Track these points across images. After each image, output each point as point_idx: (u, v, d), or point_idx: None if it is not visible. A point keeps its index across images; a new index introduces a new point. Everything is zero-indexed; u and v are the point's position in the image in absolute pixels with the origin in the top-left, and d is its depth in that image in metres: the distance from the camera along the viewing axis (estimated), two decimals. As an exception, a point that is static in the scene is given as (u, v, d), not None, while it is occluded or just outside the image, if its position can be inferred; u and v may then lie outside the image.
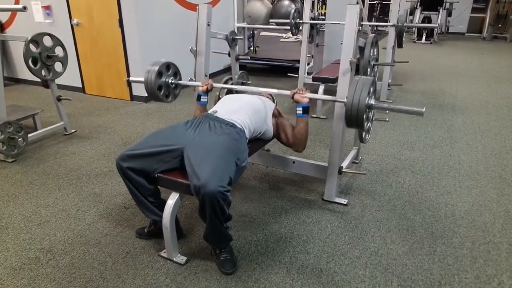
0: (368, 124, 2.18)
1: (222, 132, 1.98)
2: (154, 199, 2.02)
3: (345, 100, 1.97)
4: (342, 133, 2.40)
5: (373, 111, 2.19)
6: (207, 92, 2.45)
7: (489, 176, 2.89)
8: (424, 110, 1.90)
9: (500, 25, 10.72)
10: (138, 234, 2.20)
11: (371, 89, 1.97)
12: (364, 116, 1.93)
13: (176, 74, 2.61)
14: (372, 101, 2.01)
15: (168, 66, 2.52)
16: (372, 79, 1.98)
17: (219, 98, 2.83)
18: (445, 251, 2.07)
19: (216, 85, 2.50)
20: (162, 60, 2.47)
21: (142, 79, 2.46)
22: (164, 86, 2.53)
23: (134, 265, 1.98)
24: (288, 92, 2.26)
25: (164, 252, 2.03)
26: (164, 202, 1.95)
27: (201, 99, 2.44)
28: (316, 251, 2.07)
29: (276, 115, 2.42)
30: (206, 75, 2.79)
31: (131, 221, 2.35)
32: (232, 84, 3.24)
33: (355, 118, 1.92)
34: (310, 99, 2.22)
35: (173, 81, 2.56)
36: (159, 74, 2.46)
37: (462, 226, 2.28)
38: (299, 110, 2.21)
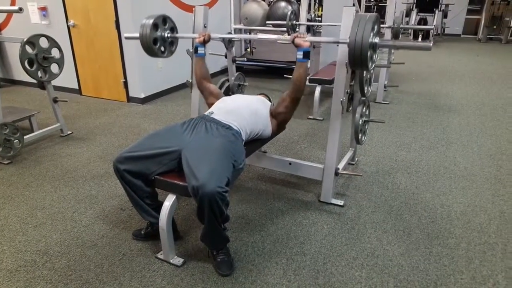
0: (372, 65, 2.06)
1: (219, 134, 1.98)
2: (151, 201, 2.02)
3: (347, 40, 1.91)
4: (339, 134, 2.41)
5: (377, 55, 2.09)
6: (204, 43, 2.46)
7: (484, 177, 2.91)
8: (431, 44, 1.85)
9: (495, 27, 10.79)
10: (135, 236, 2.20)
11: (375, 26, 1.90)
12: (368, 54, 1.86)
13: (173, 29, 2.55)
14: (376, 40, 1.94)
15: (164, 19, 2.46)
16: (376, 15, 1.89)
17: (219, 88, 2.79)
18: (441, 252, 2.08)
19: (214, 35, 2.49)
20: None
21: (137, 34, 2.40)
22: (160, 40, 2.46)
23: (131, 267, 1.98)
24: (288, 38, 2.22)
25: (161, 254, 2.03)
26: (161, 204, 1.95)
27: (199, 51, 2.46)
28: (312, 252, 2.08)
29: (273, 113, 2.41)
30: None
31: (127, 223, 2.35)
32: (228, 85, 3.24)
33: (359, 56, 1.84)
34: (311, 42, 2.18)
35: (169, 35, 2.51)
36: (155, 26, 2.40)
37: (457, 227, 2.29)
38: (300, 55, 2.15)
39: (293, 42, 2.16)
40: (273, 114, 2.34)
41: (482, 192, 2.70)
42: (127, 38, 2.65)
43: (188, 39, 2.64)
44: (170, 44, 2.58)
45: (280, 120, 2.36)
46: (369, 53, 1.87)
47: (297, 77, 2.20)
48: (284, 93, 2.31)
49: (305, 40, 2.14)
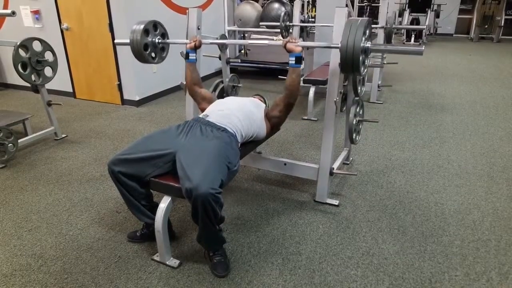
0: (364, 70, 2.06)
1: (214, 136, 1.99)
2: (147, 202, 2.02)
3: (339, 44, 1.90)
4: (333, 134, 2.42)
5: (369, 59, 2.08)
6: (195, 48, 2.45)
7: (478, 175, 2.94)
8: (423, 48, 1.86)
9: (486, 26, 10.89)
10: (130, 238, 2.20)
11: (367, 30, 1.89)
12: (360, 58, 1.85)
13: (164, 35, 2.55)
14: (368, 44, 1.94)
15: (155, 25, 2.46)
16: (368, 20, 1.88)
17: (214, 90, 2.79)
18: (435, 249, 2.10)
19: (204, 41, 2.49)
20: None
21: (127, 40, 2.40)
22: (150, 46, 2.46)
23: (127, 269, 1.97)
24: (280, 42, 2.22)
25: (157, 255, 2.03)
26: (156, 205, 1.96)
27: (190, 57, 2.45)
28: (308, 252, 2.09)
29: (267, 116, 2.42)
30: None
31: (123, 226, 2.35)
32: (223, 86, 3.25)
33: (351, 60, 1.83)
34: (302, 47, 2.18)
35: (160, 41, 2.51)
36: (146, 32, 2.39)
37: (451, 225, 2.32)
38: (292, 60, 2.15)
39: (285, 47, 2.16)
40: (267, 117, 2.35)
41: (475, 189, 2.73)
42: (117, 44, 2.65)
43: (182, 39, 2.65)
44: (161, 50, 2.58)
45: (273, 123, 2.38)
46: (361, 58, 1.87)
47: (290, 83, 2.20)
48: (278, 97, 2.32)
49: (297, 45, 2.14)
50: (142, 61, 2.51)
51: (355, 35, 1.82)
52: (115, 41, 2.71)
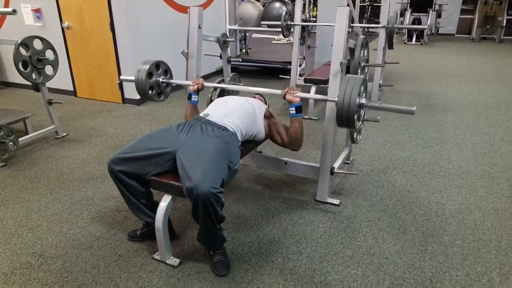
0: (359, 123, 2.20)
1: (214, 135, 1.99)
2: (147, 201, 2.02)
3: (336, 98, 1.99)
4: (334, 134, 2.42)
5: (364, 110, 2.21)
6: (198, 91, 2.45)
7: (479, 175, 2.94)
8: (414, 108, 1.93)
9: (488, 26, 10.87)
10: (130, 237, 2.20)
11: (362, 88, 1.99)
12: (355, 115, 1.95)
13: (167, 72, 2.61)
14: (363, 100, 2.03)
15: (157, 65, 2.52)
16: (363, 78, 1.99)
17: (211, 101, 2.84)
18: (436, 249, 2.09)
19: (207, 84, 2.50)
20: (152, 60, 2.46)
21: (133, 77, 2.46)
22: (155, 86, 2.53)
23: (127, 268, 1.97)
24: (279, 92, 2.27)
25: (157, 254, 2.03)
26: (156, 204, 1.96)
27: (192, 98, 2.44)
28: (308, 252, 2.09)
29: (268, 116, 2.43)
30: (198, 77, 2.79)
31: (123, 224, 2.35)
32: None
33: (346, 117, 1.94)
34: (302, 98, 2.23)
35: (164, 80, 2.56)
36: (149, 74, 2.46)
37: (452, 225, 2.31)
38: (292, 110, 2.22)
39: (284, 97, 2.23)
40: (268, 123, 2.39)
41: (476, 189, 2.72)
42: (123, 80, 2.76)
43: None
44: (165, 87, 2.64)
45: (272, 139, 2.42)
46: (356, 115, 1.95)
47: (293, 131, 2.26)
48: (286, 132, 2.34)
49: (296, 95, 2.20)
50: (148, 100, 2.62)
51: (351, 92, 1.90)
52: (121, 77, 2.80)
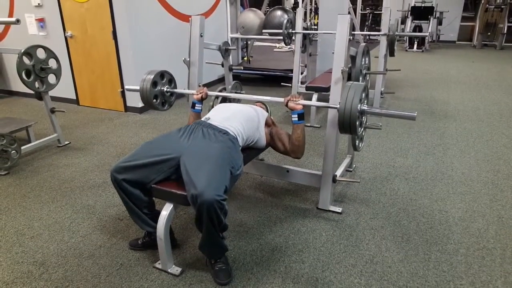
0: (361, 130, 2.20)
1: (216, 139, 1.99)
2: (149, 211, 2.01)
3: (337, 105, 1.99)
4: (336, 141, 2.42)
5: (365, 117, 2.21)
6: (201, 100, 2.47)
7: (482, 182, 2.92)
8: (416, 114, 1.93)
9: (489, 33, 10.89)
10: (132, 246, 2.18)
11: (363, 94, 2.00)
12: (357, 122, 1.95)
13: (171, 81, 2.64)
14: (365, 107, 2.03)
15: (162, 74, 2.55)
16: (364, 85, 2.00)
17: (212, 107, 2.85)
18: (439, 257, 2.07)
19: (211, 93, 2.52)
20: (156, 69, 2.49)
21: (138, 87, 2.48)
22: (159, 95, 2.56)
23: (129, 277, 1.96)
24: (281, 99, 2.28)
25: (159, 263, 2.02)
26: (158, 213, 1.94)
27: (196, 107, 2.46)
28: (311, 260, 2.07)
29: (270, 124, 2.43)
30: (199, 86, 2.80)
31: (125, 233, 2.34)
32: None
33: (348, 123, 1.94)
34: (304, 105, 2.24)
35: (168, 89, 2.59)
36: (154, 84, 2.48)
37: (456, 233, 2.29)
38: (295, 117, 2.22)
39: (286, 105, 2.24)
40: (270, 131, 2.39)
41: (480, 197, 2.71)
42: (127, 90, 2.77)
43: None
44: (170, 96, 2.67)
45: (274, 146, 2.42)
46: (357, 121, 1.96)
47: (296, 138, 2.27)
48: (289, 141, 2.34)
49: (298, 103, 2.21)
50: (152, 108, 2.63)
51: (352, 99, 1.92)
52: (126, 87, 2.83)
